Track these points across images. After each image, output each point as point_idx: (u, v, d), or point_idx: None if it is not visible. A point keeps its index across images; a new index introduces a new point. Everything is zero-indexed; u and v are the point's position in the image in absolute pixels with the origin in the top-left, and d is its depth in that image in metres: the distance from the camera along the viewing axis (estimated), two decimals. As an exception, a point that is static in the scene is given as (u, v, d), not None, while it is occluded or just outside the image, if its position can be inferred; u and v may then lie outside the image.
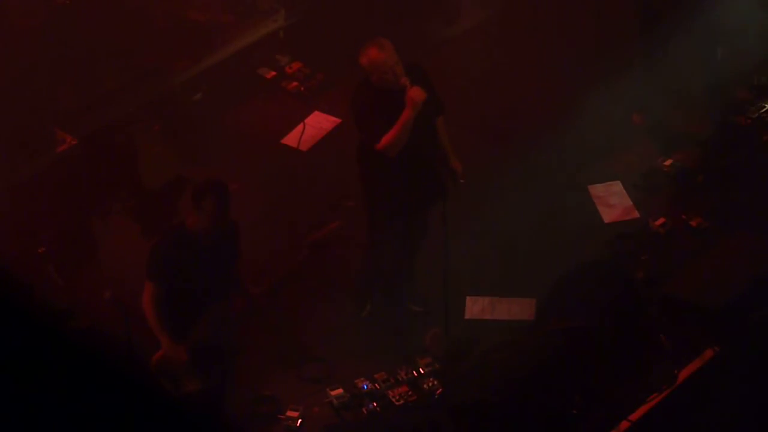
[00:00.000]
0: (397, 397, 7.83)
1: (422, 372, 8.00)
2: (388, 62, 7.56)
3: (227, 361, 7.30)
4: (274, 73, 10.75)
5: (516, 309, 8.44)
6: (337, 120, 9.88)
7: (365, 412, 7.77)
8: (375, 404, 7.80)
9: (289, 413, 7.76)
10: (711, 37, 9.71)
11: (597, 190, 9.32)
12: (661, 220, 8.93)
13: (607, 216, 9.13)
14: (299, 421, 7.72)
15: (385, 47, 7.58)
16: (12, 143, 9.21)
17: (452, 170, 7.98)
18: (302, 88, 10.52)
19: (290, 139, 9.83)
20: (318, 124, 9.98)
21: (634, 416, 7.28)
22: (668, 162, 9.45)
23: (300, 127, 9.80)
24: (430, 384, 7.90)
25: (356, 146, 8.03)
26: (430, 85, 7.74)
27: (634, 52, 9.93)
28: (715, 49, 9.83)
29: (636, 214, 9.12)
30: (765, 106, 9.67)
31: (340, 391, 7.88)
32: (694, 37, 9.56)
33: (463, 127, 9.59)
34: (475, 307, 8.50)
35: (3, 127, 9.10)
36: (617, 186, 9.36)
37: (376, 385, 7.92)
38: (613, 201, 9.25)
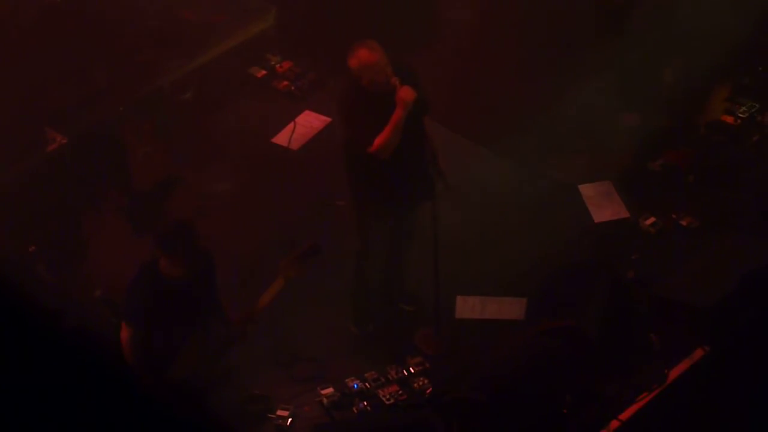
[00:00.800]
0: (388, 397, 7.83)
1: (412, 371, 8.01)
2: (379, 63, 7.52)
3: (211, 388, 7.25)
4: (264, 72, 10.74)
5: (506, 308, 8.44)
6: (328, 119, 9.87)
7: (355, 411, 7.77)
8: (365, 403, 7.81)
9: (280, 412, 7.76)
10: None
11: (587, 189, 9.33)
12: (651, 220, 8.95)
13: (598, 216, 9.13)
14: (290, 420, 7.72)
15: (375, 48, 7.53)
16: (2, 142, 9.19)
17: (440, 170, 7.94)
18: (293, 87, 10.52)
19: (281, 138, 9.82)
20: (308, 123, 9.97)
21: (625, 415, 7.29)
22: (658, 162, 9.46)
23: (290, 126, 9.79)
24: (421, 383, 7.91)
25: (343, 148, 7.99)
26: (418, 83, 7.69)
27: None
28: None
29: (626, 214, 9.12)
30: (755, 106, 9.69)
31: (330, 390, 7.88)
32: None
33: (453, 126, 9.62)
34: (466, 307, 8.50)
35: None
36: (607, 186, 9.36)
37: (367, 384, 7.92)
38: (603, 201, 9.25)
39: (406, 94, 7.46)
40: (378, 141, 7.53)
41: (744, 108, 9.70)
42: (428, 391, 7.82)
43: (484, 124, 9.99)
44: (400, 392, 7.86)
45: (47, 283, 8.56)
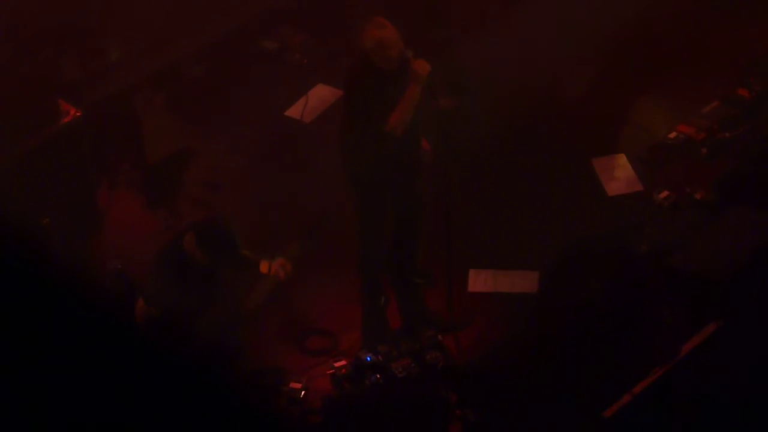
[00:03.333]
0: (400, 369, 7.84)
1: (425, 344, 8.01)
2: (392, 38, 7.48)
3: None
4: (277, 45, 10.74)
5: (519, 282, 8.44)
6: (341, 92, 9.86)
7: (368, 383, 7.79)
8: (378, 376, 7.82)
9: (293, 385, 7.78)
10: None
11: (601, 162, 9.31)
12: (665, 193, 8.92)
13: (611, 189, 9.11)
14: (302, 392, 7.74)
15: (385, 24, 7.50)
16: (16, 115, 9.20)
17: (423, 150, 7.95)
18: (305, 61, 10.51)
19: (294, 111, 9.82)
20: (321, 96, 9.97)
21: (637, 389, 7.29)
22: (672, 135, 9.44)
23: (303, 99, 9.79)
24: (433, 356, 7.92)
25: (341, 129, 7.96)
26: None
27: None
28: None
29: (640, 187, 9.10)
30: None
31: (343, 362, 7.90)
32: None
33: (466, 103, 9.61)
34: (478, 280, 8.51)
35: (7, 98, 9.09)
36: (621, 159, 9.35)
37: (379, 357, 7.93)
38: (616, 174, 9.23)
39: (421, 67, 7.43)
40: (394, 117, 7.50)
41: (758, 81, 9.67)
42: (440, 364, 7.83)
43: (497, 99, 9.99)
44: (413, 365, 7.87)
45: (61, 255, 8.57)
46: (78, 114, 9.42)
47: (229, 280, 7.31)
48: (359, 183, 8.07)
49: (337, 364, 7.87)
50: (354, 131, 7.80)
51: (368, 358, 7.89)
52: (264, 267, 7.21)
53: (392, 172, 7.87)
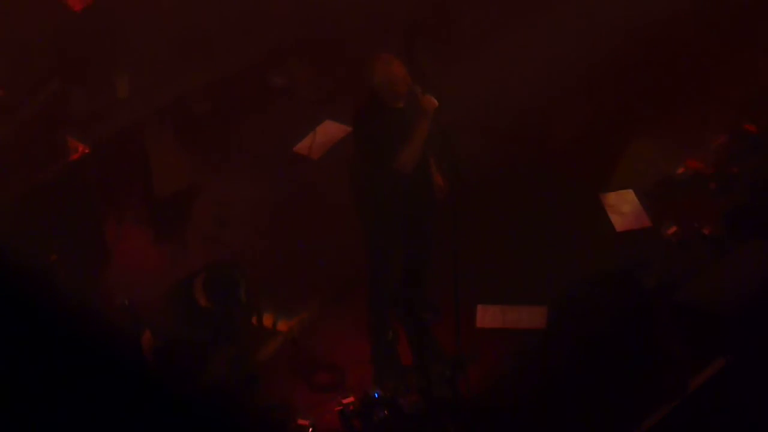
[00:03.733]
0: (408, 406, 7.81)
1: (433, 380, 7.98)
2: (399, 74, 7.49)
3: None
4: (285, 80, 10.76)
5: (527, 317, 8.42)
6: (348, 128, 9.88)
7: (376, 420, 7.76)
8: (386, 412, 7.79)
9: (300, 422, 7.76)
10: None
11: (609, 198, 9.31)
12: (673, 229, 8.91)
13: (619, 224, 9.10)
14: (310, 429, 7.71)
15: (391, 61, 7.51)
16: (25, 152, 9.23)
17: (436, 183, 7.93)
18: (313, 96, 10.53)
19: (302, 147, 9.84)
20: (329, 132, 9.99)
21: (645, 425, 7.27)
22: (681, 170, 9.44)
23: (311, 135, 9.80)
24: (442, 392, 7.89)
25: (351, 167, 7.96)
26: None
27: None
28: None
29: (648, 223, 9.08)
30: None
31: (351, 399, 7.88)
32: None
33: (471, 135, 9.61)
34: (486, 316, 8.49)
35: (16, 135, 9.13)
36: (629, 194, 9.34)
37: (387, 393, 7.91)
38: (625, 209, 9.22)
39: (429, 102, 7.43)
40: (404, 155, 7.50)
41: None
42: (449, 400, 7.80)
43: (505, 131, 10.00)
44: (421, 401, 7.84)
45: (68, 292, 8.57)
46: (86, 151, 9.46)
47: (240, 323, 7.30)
48: (370, 219, 8.05)
49: (345, 401, 7.85)
50: (364, 168, 7.79)
51: (376, 395, 7.87)
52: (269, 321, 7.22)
53: (404, 207, 7.86)
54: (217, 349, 7.18)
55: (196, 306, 6.94)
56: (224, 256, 7.41)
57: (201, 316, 6.98)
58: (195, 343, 7.03)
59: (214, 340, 7.12)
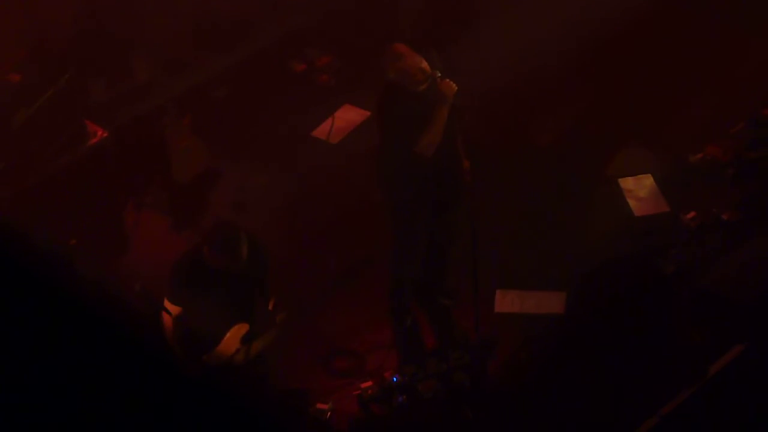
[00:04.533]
0: (427, 391, 7.82)
1: (452, 365, 7.99)
2: (413, 64, 7.47)
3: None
4: (304, 66, 10.77)
5: (546, 302, 8.43)
6: (367, 113, 9.89)
7: (394, 405, 7.77)
8: (404, 397, 7.81)
9: (319, 406, 7.77)
10: None
11: (628, 183, 9.30)
12: (691, 214, 8.90)
13: (638, 209, 9.09)
14: (329, 413, 7.73)
15: (404, 52, 7.49)
16: (43, 136, 9.25)
17: (464, 168, 7.87)
18: (332, 81, 10.53)
19: (320, 132, 9.84)
20: (348, 117, 9.99)
21: (664, 410, 7.27)
22: (699, 156, 9.42)
23: (330, 119, 9.81)
24: (460, 377, 7.90)
25: (378, 153, 7.96)
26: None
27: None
28: None
29: (666, 208, 9.08)
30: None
31: (369, 383, 7.89)
32: None
33: (491, 122, 9.61)
34: (505, 301, 8.50)
35: (34, 120, 9.14)
36: (648, 179, 9.33)
37: (406, 378, 7.92)
38: (643, 194, 9.22)
39: (447, 88, 7.43)
40: (423, 139, 7.50)
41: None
42: (468, 385, 7.81)
43: (525, 119, 9.99)
44: (439, 386, 7.85)
45: (87, 275, 8.60)
46: (105, 135, 9.48)
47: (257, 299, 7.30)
48: (396, 204, 8.05)
49: (363, 386, 7.87)
50: (389, 154, 7.79)
51: (395, 379, 7.89)
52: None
53: (429, 192, 7.86)
54: (230, 326, 7.18)
55: (207, 270, 6.93)
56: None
57: (212, 279, 6.96)
58: (210, 314, 7.02)
59: (228, 307, 7.11)
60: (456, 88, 7.44)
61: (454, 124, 7.61)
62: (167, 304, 6.97)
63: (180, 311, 6.95)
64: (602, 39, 10.50)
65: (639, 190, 9.26)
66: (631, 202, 9.13)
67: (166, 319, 6.96)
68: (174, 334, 6.95)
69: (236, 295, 7.09)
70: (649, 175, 9.34)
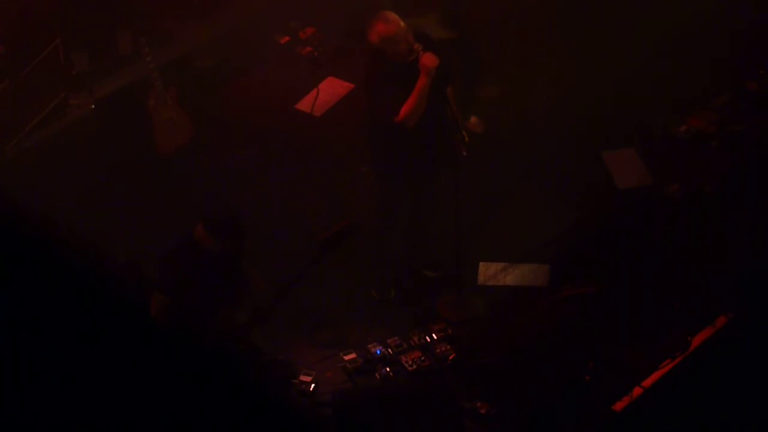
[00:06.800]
0: (410, 363, 7.85)
1: (435, 337, 8.01)
2: (399, 33, 7.50)
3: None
4: (287, 38, 10.74)
5: (529, 275, 8.45)
6: (351, 85, 9.87)
7: (378, 377, 7.80)
8: (388, 369, 7.83)
9: (303, 378, 7.79)
10: None
11: (611, 156, 9.31)
12: (675, 186, 8.91)
13: (621, 182, 9.11)
14: (312, 385, 7.75)
15: (391, 19, 7.52)
16: (28, 108, 9.22)
17: (460, 139, 7.85)
18: (316, 53, 10.50)
19: (304, 105, 9.82)
20: (331, 89, 9.96)
21: (647, 382, 7.30)
22: (682, 128, 9.43)
23: (314, 92, 9.79)
24: (443, 349, 7.93)
25: (365, 120, 7.98)
26: (439, 53, 7.64)
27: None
28: None
29: (650, 180, 9.09)
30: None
31: (353, 356, 7.91)
32: None
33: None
34: (488, 273, 8.52)
35: (18, 91, 9.11)
36: (631, 152, 9.34)
37: (389, 350, 7.95)
38: (627, 167, 9.23)
39: (428, 60, 7.45)
40: (404, 109, 7.54)
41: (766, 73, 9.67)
42: (451, 357, 7.84)
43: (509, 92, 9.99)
44: (423, 358, 7.88)
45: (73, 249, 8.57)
46: (89, 107, 9.45)
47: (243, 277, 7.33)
48: (381, 174, 8.08)
49: (347, 357, 7.89)
50: (375, 122, 7.81)
51: (378, 352, 7.91)
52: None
53: (414, 163, 7.87)
54: (223, 309, 7.20)
55: (202, 253, 6.96)
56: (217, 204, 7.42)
57: (208, 263, 6.99)
58: (205, 294, 7.04)
59: (223, 291, 7.14)
60: (438, 61, 7.46)
61: (439, 96, 7.63)
62: (158, 294, 6.99)
63: (171, 302, 6.96)
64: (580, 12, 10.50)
65: (623, 162, 9.27)
66: (615, 175, 9.14)
67: (158, 306, 6.97)
68: (164, 319, 6.96)
69: (228, 275, 7.13)
70: (632, 147, 9.35)
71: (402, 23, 7.53)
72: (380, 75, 7.65)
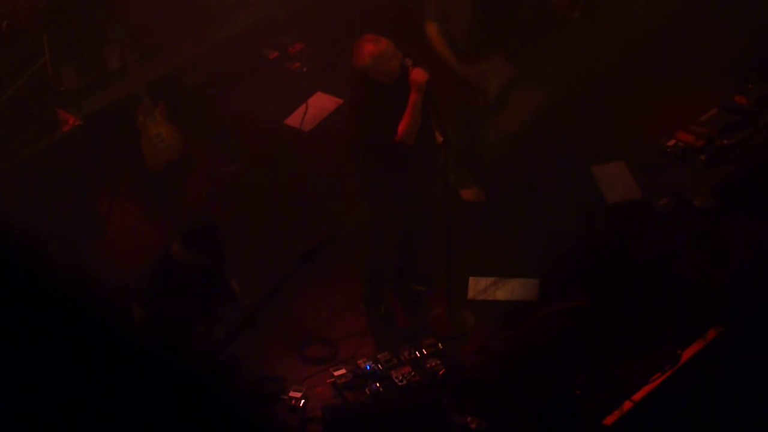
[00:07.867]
0: (400, 378, 7.84)
1: (425, 352, 8.00)
2: (389, 49, 7.50)
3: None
4: (276, 53, 10.75)
5: (519, 289, 8.45)
6: (340, 101, 9.87)
7: (368, 392, 7.78)
8: (378, 384, 7.81)
9: (292, 393, 7.77)
10: None
11: (600, 170, 9.31)
12: (664, 200, 8.92)
13: (610, 196, 9.11)
14: (302, 401, 7.73)
15: (378, 39, 7.51)
16: (16, 124, 9.20)
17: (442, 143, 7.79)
18: (305, 69, 10.51)
19: (293, 120, 9.82)
20: (320, 104, 9.97)
21: (638, 396, 7.29)
22: (671, 142, 9.44)
23: (302, 107, 9.80)
24: (433, 364, 7.91)
25: (351, 145, 7.95)
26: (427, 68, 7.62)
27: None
28: None
29: (639, 195, 9.09)
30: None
31: (343, 371, 7.89)
32: None
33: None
34: (478, 288, 8.51)
35: (7, 108, 9.09)
36: (620, 166, 9.34)
37: (379, 365, 7.93)
38: (616, 181, 9.23)
39: (419, 75, 7.44)
40: (401, 128, 7.52)
41: (756, 88, 9.68)
42: (441, 372, 7.83)
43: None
44: (413, 373, 7.86)
45: (60, 264, 8.55)
46: (77, 123, 9.43)
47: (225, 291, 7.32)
48: (371, 190, 8.06)
49: (336, 373, 7.87)
50: (365, 144, 7.77)
51: (368, 367, 7.89)
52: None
53: (405, 177, 7.86)
54: (201, 320, 7.19)
55: (180, 270, 6.95)
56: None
57: (186, 279, 6.98)
58: (183, 308, 7.04)
59: (202, 305, 7.13)
60: (427, 75, 7.46)
61: (428, 109, 7.63)
62: (136, 308, 6.99)
63: (147, 316, 6.96)
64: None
65: (612, 176, 9.28)
66: (604, 189, 9.14)
67: (135, 319, 6.96)
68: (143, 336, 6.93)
69: (205, 290, 7.12)
70: (622, 161, 9.36)
71: (389, 42, 7.52)
72: (370, 100, 7.62)
